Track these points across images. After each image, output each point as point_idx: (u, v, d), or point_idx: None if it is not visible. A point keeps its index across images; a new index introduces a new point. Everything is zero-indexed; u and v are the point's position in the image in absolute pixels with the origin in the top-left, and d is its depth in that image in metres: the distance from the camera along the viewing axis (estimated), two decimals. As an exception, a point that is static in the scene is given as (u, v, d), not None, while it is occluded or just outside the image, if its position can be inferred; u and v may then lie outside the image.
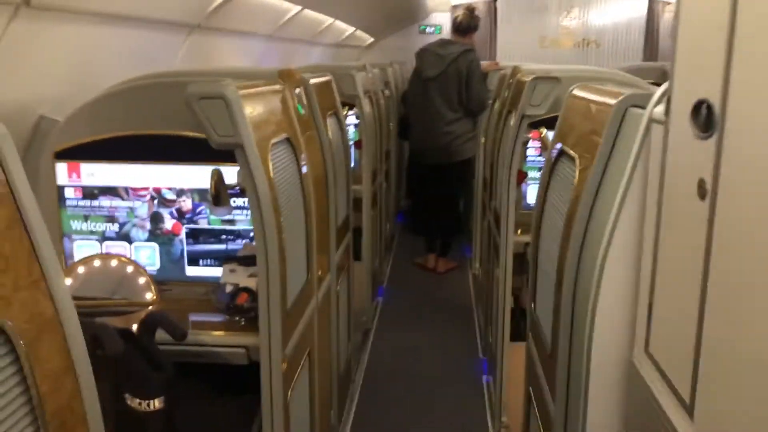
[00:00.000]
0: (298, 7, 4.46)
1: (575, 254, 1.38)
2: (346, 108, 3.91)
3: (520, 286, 3.18)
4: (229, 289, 1.90)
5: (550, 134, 2.95)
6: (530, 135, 2.88)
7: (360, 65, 4.31)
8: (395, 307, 4.48)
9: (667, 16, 8.55)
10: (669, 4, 8.54)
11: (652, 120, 1.12)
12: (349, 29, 7.11)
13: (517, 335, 3.01)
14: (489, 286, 3.49)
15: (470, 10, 4.89)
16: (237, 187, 1.72)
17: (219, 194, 1.72)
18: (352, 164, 4.28)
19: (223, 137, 1.59)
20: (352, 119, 4.28)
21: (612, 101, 1.36)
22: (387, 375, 3.54)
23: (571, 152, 1.55)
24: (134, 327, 1.60)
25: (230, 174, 1.75)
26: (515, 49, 8.38)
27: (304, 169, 2.05)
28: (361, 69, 4.14)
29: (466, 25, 4.76)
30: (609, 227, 1.20)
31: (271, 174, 1.70)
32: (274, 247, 1.68)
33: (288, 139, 1.93)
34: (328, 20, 5.88)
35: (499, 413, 2.87)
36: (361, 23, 7.29)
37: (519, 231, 2.90)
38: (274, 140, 1.78)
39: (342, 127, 2.93)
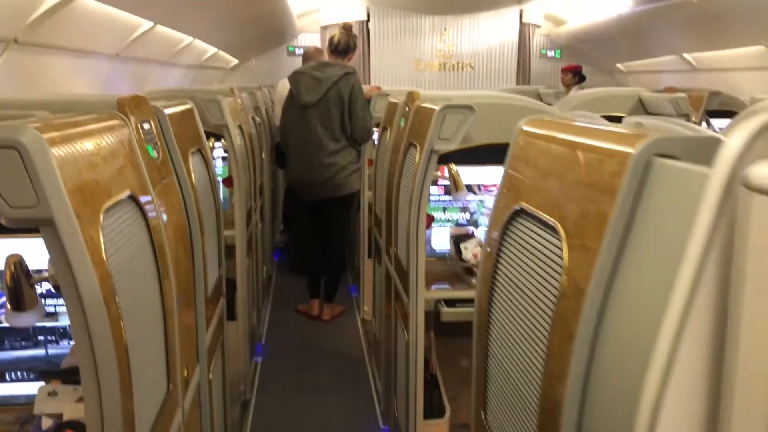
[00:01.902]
0: (150, 23, 3.82)
1: (577, 390, 0.92)
2: (212, 139, 3.32)
3: (429, 345, 2.73)
4: (46, 424, 1.28)
5: (461, 171, 2.55)
6: (437, 172, 2.45)
7: (226, 89, 3.72)
8: (277, 368, 3.88)
9: (536, 39, 8.63)
10: (538, 27, 8.63)
11: (744, 185, 0.68)
12: (212, 49, 6.47)
13: (428, 409, 2.55)
14: (389, 346, 3.01)
15: (347, 28, 4.43)
16: (49, 280, 1.12)
17: (19, 294, 1.11)
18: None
19: (19, 209, 0.99)
20: (219, 152, 3.68)
21: (620, 147, 0.92)
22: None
23: (548, 218, 1.09)
24: None
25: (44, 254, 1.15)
26: (390, 71, 8.10)
27: (158, 228, 1.47)
28: (228, 94, 3.56)
29: (344, 45, 4.30)
30: (661, 361, 0.75)
31: (104, 255, 1.12)
32: (109, 363, 1.09)
33: (132, 197, 1.35)
34: (188, 39, 5.24)
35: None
36: (225, 43, 6.67)
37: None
38: (109, 203, 1.20)
39: (209, 167, 2.35)
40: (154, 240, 1.42)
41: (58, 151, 1.03)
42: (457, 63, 8.34)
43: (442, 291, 2.46)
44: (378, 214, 3.51)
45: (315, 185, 4.24)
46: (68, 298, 1.05)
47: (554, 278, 1.03)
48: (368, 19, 8.30)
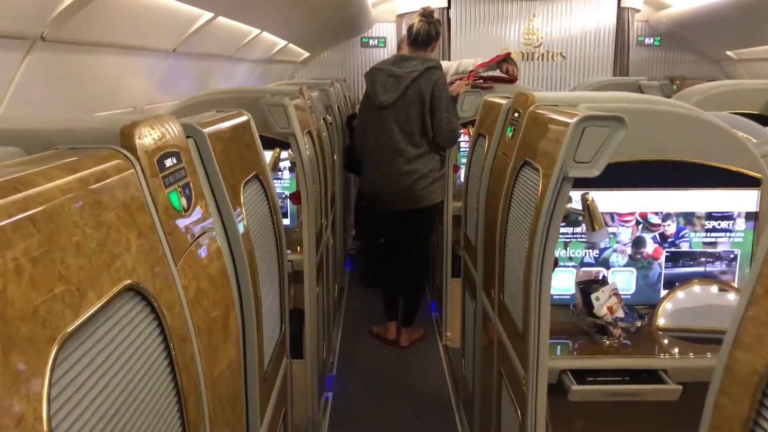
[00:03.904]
0: (209, 14, 3.36)
1: None
2: (277, 149, 2.82)
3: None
4: None
5: (596, 197, 1.94)
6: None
7: (293, 89, 3.19)
8: (350, 410, 3.38)
9: (636, 24, 7.80)
10: (638, 11, 7.80)
11: None
12: (281, 42, 6.02)
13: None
14: (487, 410, 2.44)
15: (427, 15, 3.78)
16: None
17: None
18: (287, 221, 3.19)
19: None
20: (285, 162, 3.16)
21: None
22: None
23: None
24: None
25: None
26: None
27: (180, 325, 0.96)
28: (296, 95, 3.05)
29: (425, 34, 3.69)
30: None
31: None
32: None
33: (135, 289, 0.84)
34: (254, 32, 4.79)
35: None
36: (295, 36, 6.21)
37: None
38: (81, 319, 0.69)
39: (270, 196, 1.85)
40: (172, 346, 0.91)
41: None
42: (547, 52, 7.61)
43: (568, 359, 1.88)
44: (470, 237, 2.94)
45: (392, 195, 3.70)
46: None
47: None
48: (449, 6, 7.69)
